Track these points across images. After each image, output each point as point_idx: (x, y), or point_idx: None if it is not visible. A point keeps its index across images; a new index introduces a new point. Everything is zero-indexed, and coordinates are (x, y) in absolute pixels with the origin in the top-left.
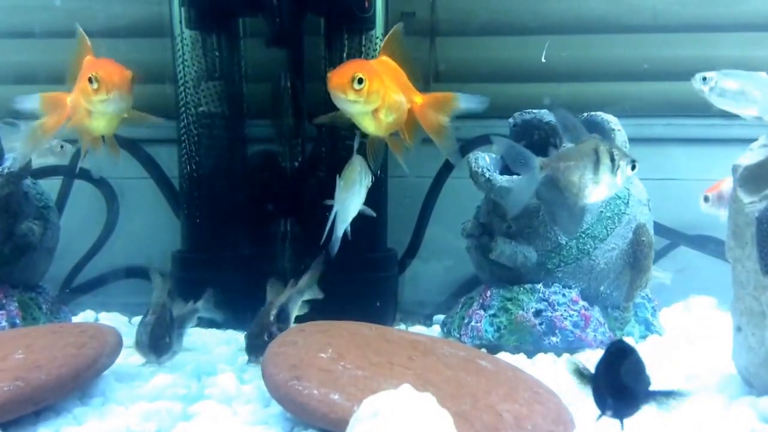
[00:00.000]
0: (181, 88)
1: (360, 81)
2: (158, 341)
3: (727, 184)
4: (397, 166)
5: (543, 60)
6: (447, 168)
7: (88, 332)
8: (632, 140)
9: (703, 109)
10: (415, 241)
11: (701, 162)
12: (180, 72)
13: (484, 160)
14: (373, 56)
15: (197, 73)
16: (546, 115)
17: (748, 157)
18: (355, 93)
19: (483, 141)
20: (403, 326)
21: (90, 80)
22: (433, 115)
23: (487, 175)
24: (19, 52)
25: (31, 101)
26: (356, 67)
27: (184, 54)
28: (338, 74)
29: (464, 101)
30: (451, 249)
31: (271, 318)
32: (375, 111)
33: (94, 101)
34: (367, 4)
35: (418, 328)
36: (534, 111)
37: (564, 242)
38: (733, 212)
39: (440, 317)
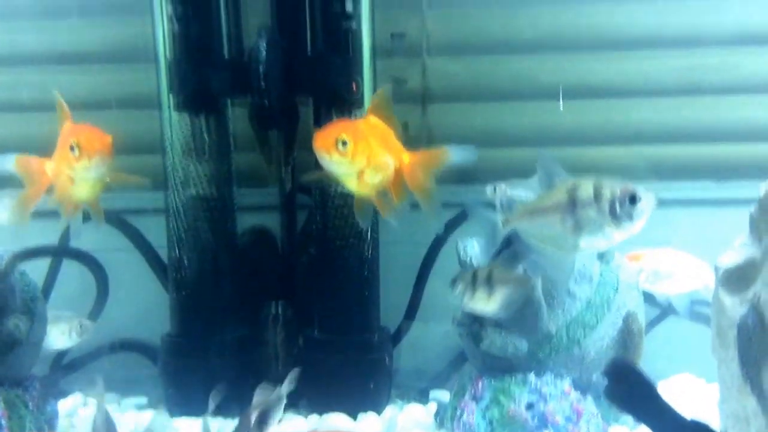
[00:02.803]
0: (170, 169)
1: (344, 143)
2: None
3: (651, 259)
4: (390, 232)
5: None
6: (438, 241)
7: None
8: None
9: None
10: (411, 311)
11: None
12: (168, 152)
13: (472, 248)
14: None
15: (185, 152)
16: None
17: (729, 257)
18: (339, 154)
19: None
20: (399, 404)
21: (71, 148)
22: (421, 175)
23: (475, 265)
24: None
25: (6, 162)
26: (341, 129)
27: (172, 135)
28: (323, 135)
29: (454, 154)
30: (449, 315)
31: (252, 425)
32: (360, 171)
33: (77, 168)
34: (354, 87)
35: (415, 407)
36: (518, 191)
37: (554, 331)
38: (715, 312)
39: (436, 393)
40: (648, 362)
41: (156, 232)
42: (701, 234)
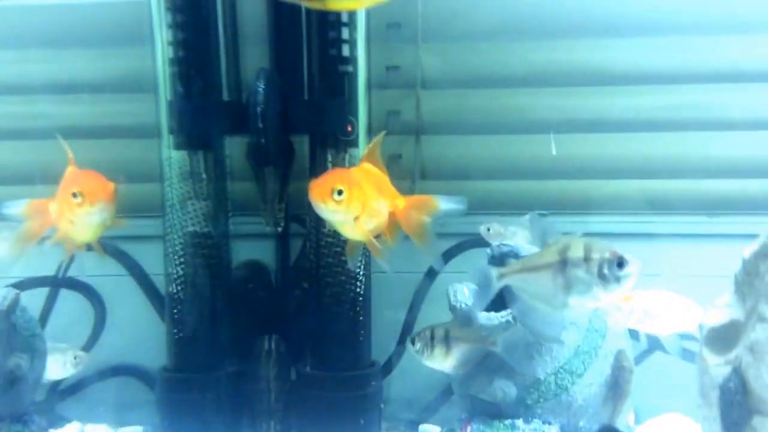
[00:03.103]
0: (168, 206)
1: (340, 192)
2: None
3: (642, 300)
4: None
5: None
6: (431, 274)
7: None
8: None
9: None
10: (402, 340)
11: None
12: (167, 189)
13: (463, 293)
14: None
15: (183, 190)
16: (522, 249)
17: (713, 317)
18: (335, 203)
19: (459, 249)
20: None
21: (74, 195)
22: (415, 218)
23: (465, 311)
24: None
25: (17, 207)
26: (337, 179)
27: (171, 173)
28: (319, 185)
29: (444, 203)
30: None
31: None
32: (356, 218)
33: (78, 214)
34: (349, 128)
35: None
36: (511, 244)
37: (542, 377)
38: (699, 372)
39: (426, 428)
40: (636, 400)
41: (153, 258)
42: (692, 267)
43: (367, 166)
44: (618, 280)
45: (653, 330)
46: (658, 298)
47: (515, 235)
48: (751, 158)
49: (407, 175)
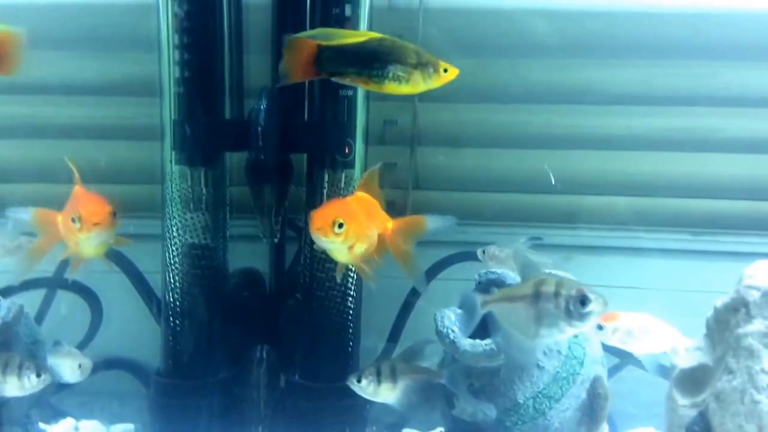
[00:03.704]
0: (168, 218)
1: (340, 225)
2: None
3: (627, 321)
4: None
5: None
6: (414, 293)
7: None
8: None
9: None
10: (391, 342)
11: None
12: (167, 202)
13: (449, 319)
14: (351, 193)
15: (184, 203)
16: (508, 277)
17: (684, 359)
18: (335, 236)
19: (444, 264)
20: None
21: (73, 220)
22: (402, 242)
23: (451, 336)
24: None
25: (24, 213)
26: (337, 212)
27: (172, 188)
28: (320, 218)
29: (431, 223)
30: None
31: None
32: (351, 246)
33: (79, 238)
34: (347, 150)
35: None
36: (498, 272)
37: (521, 401)
38: (668, 410)
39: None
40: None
41: (150, 256)
42: (675, 282)
43: (361, 194)
44: (581, 316)
45: (633, 350)
46: (643, 322)
47: (509, 258)
48: (737, 180)
49: (402, 183)
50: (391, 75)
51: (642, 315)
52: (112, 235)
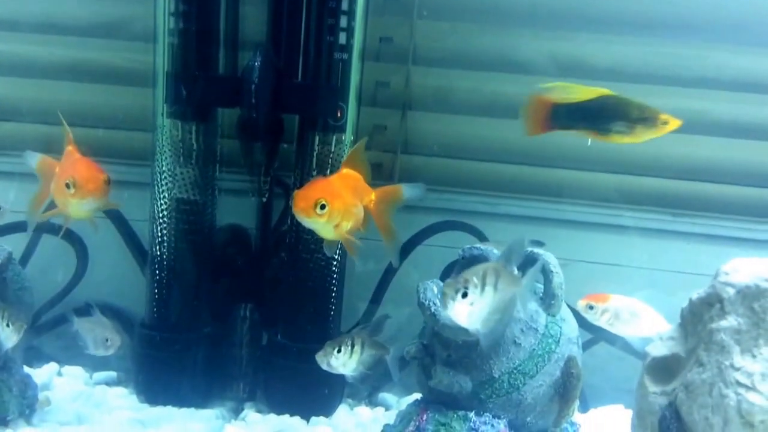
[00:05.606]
0: (157, 172)
1: (323, 206)
2: None
3: (617, 303)
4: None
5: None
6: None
7: None
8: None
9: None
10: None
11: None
12: (158, 156)
13: (432, 291)
14: (340, 155)
15: (174, 157)
16: (491, 254)
17: (656, 347)
18: (318, 216)
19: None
20: (349, 403)
21: (67, 185)
22: (384, 211)
23: (432, 309)
24: None
25: (33, 159)
26: (319, 192)
27: (162, 141)
28: (302, 199)
29: (407, 191)
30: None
31: None
32: (336, 225)
33: (72, 202)
34: (339, 114)
35: (363, 410)
36: (482, 247)
37: (497, 376)
38: (639, 396)
39: (384, 396)
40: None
41: (138, 204)
42: (653, 261)
43: (346, 171)
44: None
45: (619, 332)
46: (631, 306)
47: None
48: (723, 163)
49: (390, 147)
50: (615, 129)
51: (631, 299)
52: (105, 202)
